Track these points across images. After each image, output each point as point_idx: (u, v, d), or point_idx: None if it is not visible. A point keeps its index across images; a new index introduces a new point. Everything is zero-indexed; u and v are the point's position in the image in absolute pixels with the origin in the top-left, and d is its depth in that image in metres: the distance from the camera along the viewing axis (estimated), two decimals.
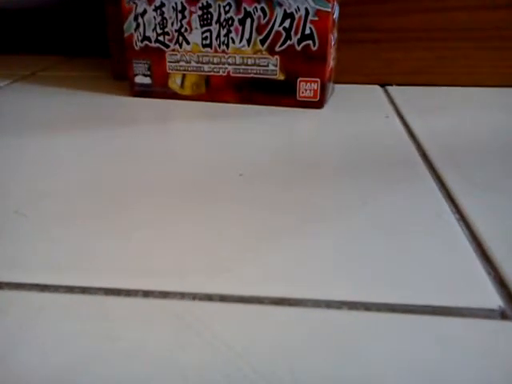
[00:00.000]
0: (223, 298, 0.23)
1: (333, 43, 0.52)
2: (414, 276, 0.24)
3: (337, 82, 0.60)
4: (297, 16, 0.49)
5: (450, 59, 0.59)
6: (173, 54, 0.54)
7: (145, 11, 0.53)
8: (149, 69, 0.55)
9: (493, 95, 0.56)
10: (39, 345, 0.20)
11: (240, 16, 0.50)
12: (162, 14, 0.52)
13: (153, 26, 0.53)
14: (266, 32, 0.50)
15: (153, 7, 0.52)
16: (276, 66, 0.51)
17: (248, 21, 0.50)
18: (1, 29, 0.88)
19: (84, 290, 0.23)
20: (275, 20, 0.49)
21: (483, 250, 0.26)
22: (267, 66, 0.51)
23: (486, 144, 0.41)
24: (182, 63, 0.54)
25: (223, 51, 0.52)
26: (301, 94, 0.52)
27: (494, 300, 0.22)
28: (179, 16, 0.52)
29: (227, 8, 0.50)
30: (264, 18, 0.50)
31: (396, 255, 0.26)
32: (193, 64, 0.53)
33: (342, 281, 0.24)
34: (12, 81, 0.66)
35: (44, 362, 0.19)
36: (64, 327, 0.21)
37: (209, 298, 0.23)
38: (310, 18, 0.48)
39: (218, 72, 0.53)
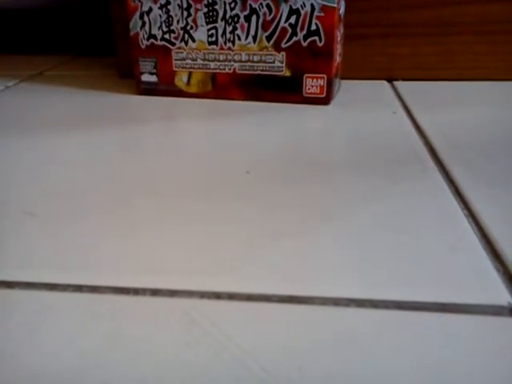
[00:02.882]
0: (231, 296, 0.23)
1: (339, 39, 0.52)
2: (423, 273, 0.24)
3: (343, 77, 0.60)
4: (302, 12, 0.48)
5: (457, 54, 0.58)
6: (179, 52, 0.54)
7: (150, 9, 0.53)
8: (155, 67, 0.55)
9: (501, 89, 0.56)
10: (48, 343, 0.20)
11: (245, 13, 0.50)
12: (168, 11, 0.52)
13: (158, 24, 0.53)
14: (271, 28, 0.50)
15: (158, 5, 0.52)
16: (282, 62, 0.51)
17: (254, 17, 0.50)
18: (7, 29, 0.88)
19: (92, 289, 0.24)
20: (281, 16, 0.49)
21: (492, 247, 0.26)
22: (273, 62, 0.51)
23: (494, 139, 0.41)
24: (188, 61, 0.54)
25: (229, 48, 0.52)
26: (307, 91, 0.51)
27: (504, 297, 0.22)
28: (185, 14, 0.52)
29: (233, 5, 0.50)
30: (270, 15, 0.49)
31: (404, 252, 0.26)
32: (199, 61, 0.53)
33: (350, 278, 0.24)
34: (19, 80, 0.67)
35: (52, 360, 0.19)
36: (73, 326, 0.21)
37: (217, 296, 0.23)
38: (315, 13, 0.48)
39: (224, 69, 0.53)
